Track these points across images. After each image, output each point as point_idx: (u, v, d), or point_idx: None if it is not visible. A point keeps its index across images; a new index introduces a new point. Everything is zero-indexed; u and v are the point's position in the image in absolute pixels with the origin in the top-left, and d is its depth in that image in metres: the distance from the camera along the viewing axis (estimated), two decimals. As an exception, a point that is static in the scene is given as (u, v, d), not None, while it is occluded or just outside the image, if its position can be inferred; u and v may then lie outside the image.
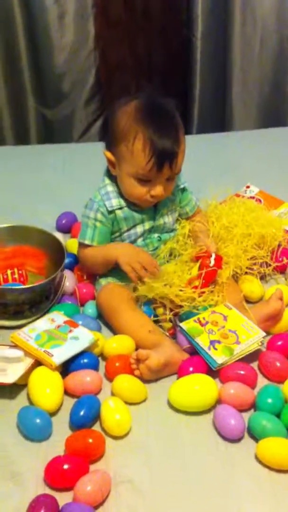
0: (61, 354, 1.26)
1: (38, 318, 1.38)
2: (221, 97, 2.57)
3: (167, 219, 1.47)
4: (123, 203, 1.41)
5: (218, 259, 1.40)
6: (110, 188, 1.42)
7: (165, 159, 1.32)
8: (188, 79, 2.56)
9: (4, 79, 2.46)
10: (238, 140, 2.26)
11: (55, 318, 1.35)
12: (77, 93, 2.54)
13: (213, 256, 1.39)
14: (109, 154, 1.39)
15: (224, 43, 2.49)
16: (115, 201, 1.41)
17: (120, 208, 1.41)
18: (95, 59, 2.51)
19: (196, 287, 1.36)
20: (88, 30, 2.45)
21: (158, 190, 1.37)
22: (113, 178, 1.43)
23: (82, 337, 1.30)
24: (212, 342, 1.28)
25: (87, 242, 1.43)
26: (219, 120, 2.59)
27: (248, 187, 1.84)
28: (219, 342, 1.28)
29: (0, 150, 2.28)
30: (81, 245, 1.46)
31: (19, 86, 2.50)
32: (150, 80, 2.58)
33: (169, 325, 1.37)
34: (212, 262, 1.39)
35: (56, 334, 1.30)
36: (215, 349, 1.27)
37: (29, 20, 2.37)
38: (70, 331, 1.31)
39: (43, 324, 1.33)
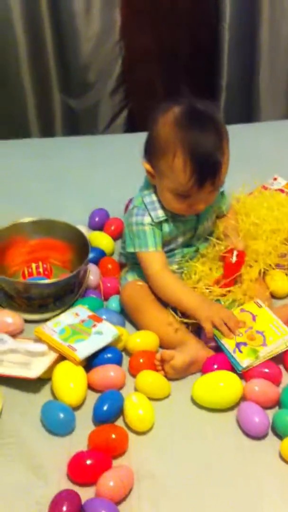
0: (84, 349, 1.26)
1: (62, 312, 1.38)
2: (248, 87, 2.54)
3: (207, 224, 1.43)
4: (167, 213, 1.35)
5: (241, 255, 1.38)
6: (155, 197, 1.36)
7: (207, 176, 1.25)
8: (215, 69, 2.53)
9: (29, 70, 2.45)
10: (265, 131, 2.23)
11: (79, 312, 1.35)
12: (103, 84, 2.53)
13: (235, 252, 1.37)
14: (148, 167, 1.33)
15: (251, 32, 2.45)
16: (160, 212, 1.35)
17: (166, 220, 1.36)
18: (120, 49, 2.49)
19: (223, 286, 1.34)
20: (114, 19, 2.43)
21: (200, 206, 1.32)
22: (153, 187, 1.37)
23: (106, 332, 1.29)
24: (238, 345, 1.26)
25: (151, 249, 1.34)
26: (246, 111, 2.56)
27: (275, 179, 1.81)
28: (245, 344, 1.26)
29: (26, 142, 2.28)
30: (147, 258, 1.36)
31: (45, 76, 2.49)
32: (176, 71, 2.55)
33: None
34: (234, 258, 1.37)
35: (80, 329, 1.30)
36: (240, 351, 1.25)
37: (55, 10, 2.36)
38: (94, 325, 1.31)
39: (67, 318, 1.33)
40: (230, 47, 2.46)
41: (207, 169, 1.25)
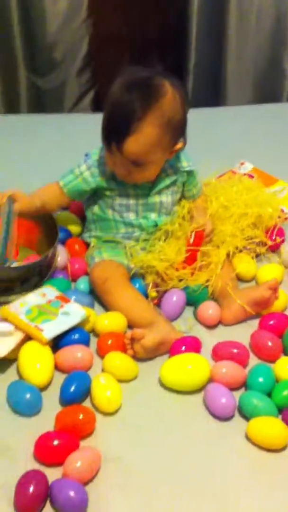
0: (51, 329, 1.24)
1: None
2: (216, 71, 2.52)
3: (165, 199, 1.42)
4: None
5: (198, 236, 1.39)
6: None
7: (111, 136, 1.29)
8: (183, 52, 2.51)
9: (-6, 46, 2.40)
10: (233, 115, 2.23)
11: (47, 292, 1.33)
12: (69, 63, 2.48)
13: (193, 233, 1.39)
14: None
15: (220, 16, 2.44)
16: (102, 167, 1.39)
17: (113, 174, 1.38)
18: (87, 28, 2.45)
19: (180, 265, 1.35)
20: (82, -3, 2.39)
21: (118, 171, 1.34)
22: None
23: (74, 312, 1.28)
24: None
25: (60, 183, 1.43)
26: (213, 94, 2.55)
27: (242, 163, 1.82)
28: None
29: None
30: (50, 184, 1.47)
31: (10, 53, 2.43)
32: (144, 51, 2.53)
33: (154, 294, 1.36)
34: (192, 239, 1.38)
35: (47, 309, 1.28)
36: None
37: (21, -15, 2.31)
38: (61, 306, 1.29)
39: (34, 298, 1.31)
40: (198, 30, 2.44)
41: (112, 129, 1.28)
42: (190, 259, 1.38)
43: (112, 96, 1.28)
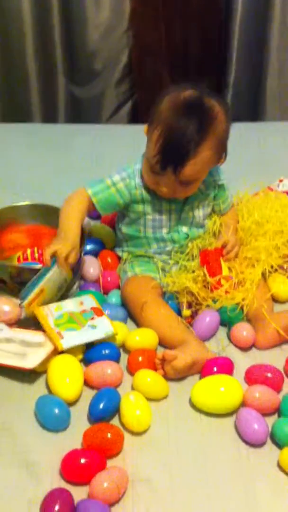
0: (71, 339, 1.23)
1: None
2: (256, 86, 2.51)
3: (197, 213, 1.42)
4: (144, 184, 1.37)
5: (208, 253, 1.37)
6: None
7: (169, 161, 1.27)
8: (222, 66, 2.50)
9: (34, 54, 2.41)
10: (272, 131, 2.19)
11: (85, 301, 1.31)
12: (109, 73, 2.49)
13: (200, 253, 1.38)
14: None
15: (262, 31, 2.42)
16: (138, 180, 1.37)
17: (147, 189, 1.36)
18: (128, 39, 2.45)
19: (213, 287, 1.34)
20: (124, 8, 2.39)
21: (163, 190, 1.32)
22: None
23: (101, 327, 1.26)
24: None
25: (88, 191, 1.37)
26: (252, 109, 2.53)
27: (281, 181, 1.78)
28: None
29: (27, 126, 2.24)
30: (76, 190, 1.40)
31: (50, 62, 2.45)
32: (184, 64, 2.52)
33: (188, 313, 1.34)
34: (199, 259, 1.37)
35: (78, 318, 1.27)
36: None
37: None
38: (92, 318, 1.28)
39: (70, 304, 1.30)
40: (239, 44, 2.43)
41: (171, 154, 1.26)
42: (212, 275, 1.35)
43: (166, 119, 1.26)
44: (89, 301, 1.32)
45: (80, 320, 1.27)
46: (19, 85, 2.46)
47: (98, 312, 1.29)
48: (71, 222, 1.34)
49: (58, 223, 1.37)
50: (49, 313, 1.27)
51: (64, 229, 1.33)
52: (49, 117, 2.52)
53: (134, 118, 2.55)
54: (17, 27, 2.34)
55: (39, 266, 1.41)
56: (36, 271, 1.33)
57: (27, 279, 1.35)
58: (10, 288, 1.39)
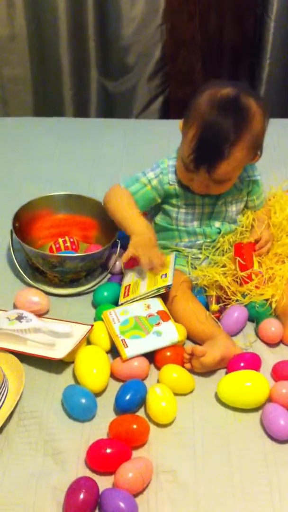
0: (136, 348, 1.22)
1: (93, 287, 1.39)
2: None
3: (230, 208, 1.41)
4: (178, 180, 1.37)
5: (243, 247, 1.37)
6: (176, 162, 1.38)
7: (203, 160, 1.26)
8: (257, 61, 2.48)
9: (68, 47, 2.42)
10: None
11: (152, 305, 1.30)
12: (142, 67, 2.49)
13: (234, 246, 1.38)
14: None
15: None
16: (171, 176, 1.37)
17: (181, 183, 1.36)
18: (162, 33, 2.45)
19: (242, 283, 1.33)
20: (159, 2, 2.38)
21: (195, 186, 1.33)
22: None
23: (166, 334, 1.25)
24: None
25: (130, 189, 1.39)
26: (286, 105, 2.50)
27: (314, 178, 1.77)
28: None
29: (59, 120, 2.25)
30: (116, 188, 1.41)
31: (83, 55, 2.46)
32: (218, 59, 2.50)
33: (216, 307, 1.34)
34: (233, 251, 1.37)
35: (143, 324, 1.26)
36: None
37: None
38: (158, 324, 1.26)
39: (137, 308, 1.29)
40: (275, 39, 2.40)
41: (205, 154, 1.26)
42: (242, 268, 1.35)
43: (202, 117, 1.25)
44: (156, 304, 1.31)
45: (146, 325, 1.26)
46: (52, 79, 2.47)
47: (164, 316, 1.28)
48: (141, 223, 1.37)
49: (118, 223, 1.39)
50: (115, 319, 1.27)
51: (140, 232, 1.35)
52: (81, 111, 2.53)
53: (165, 113, 2.55)
54: (52, 21, 2.35)
55: (78, 254, 1.43)
56: (75, 258, 1.35)
57: (68, 269, 1.37)
58: (49, 278, 1.41)
